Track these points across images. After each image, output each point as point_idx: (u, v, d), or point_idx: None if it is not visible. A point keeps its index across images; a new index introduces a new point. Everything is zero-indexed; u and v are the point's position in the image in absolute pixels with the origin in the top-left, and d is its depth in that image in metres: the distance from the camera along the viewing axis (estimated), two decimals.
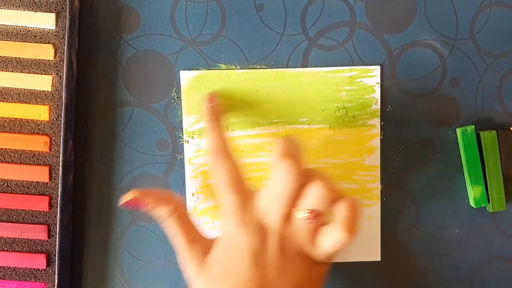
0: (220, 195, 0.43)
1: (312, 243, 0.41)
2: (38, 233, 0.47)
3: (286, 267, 0.41)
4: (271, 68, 0.48)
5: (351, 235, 0.40)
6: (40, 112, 0.47)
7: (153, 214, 0.43)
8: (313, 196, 0.40)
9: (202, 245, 0.43)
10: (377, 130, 0.48)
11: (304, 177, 0.41)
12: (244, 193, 0.42)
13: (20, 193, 0.47)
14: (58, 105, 0.47)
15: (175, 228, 0.43)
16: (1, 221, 0.47)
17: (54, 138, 0.47)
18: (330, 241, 0.40)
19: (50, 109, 0.47)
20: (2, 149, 0.47)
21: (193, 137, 0.48)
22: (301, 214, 0.40)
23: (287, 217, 0.41)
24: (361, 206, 0.41)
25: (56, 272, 0.47)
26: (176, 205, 0.43)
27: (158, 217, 0.43)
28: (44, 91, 0.47)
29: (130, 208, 0.43)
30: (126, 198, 0.43)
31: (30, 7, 0.46)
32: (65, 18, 0.46)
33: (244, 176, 0.43)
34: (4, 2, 0.46)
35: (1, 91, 0.47)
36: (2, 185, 0.47)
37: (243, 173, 0.43)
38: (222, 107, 0.46)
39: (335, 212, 0.41)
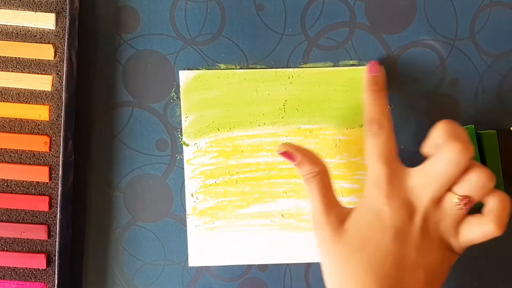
0: (371, 165, 0.42)
1: (455, 231, 0.41)
2: (38, 233, 0.47)
3: (424, 249, 0.41)
4: (271, 68, 0.48)
5: (500, 230, 0.40)
6: (40, 112, 0.47)
7: (298, 171, 0.44)
8: (471, 183, 0.40)
9: (339, 212, 0.43)
10: None
11: (468, 163, 0.40)
12: (396, 166, 0.42)
13: (20, 193, 0.47)
14: (58, 105, 0.47)
15: (315, 190, 0.43)
16: (1, 221, 0.47)
17: (54, 138, 0.47)
18: (476, 233, 0.40)
19: (50, 109, 0.47)
20: (2, 149, 0.47)
21: (192, 137, 0.48)
22: (455, 199, 0.40)
23: (438, 200, 0.41)
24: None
25: (56, 272, 0.47)
26: (322, 167, 0.43)
27: (301, 176, 0.43)
28: (44, 91, 0.47)
29: (284, 157, 0.44)
30: (281, 149, 0.44)
31: (30, 7, 0.46)
32: (65, 18, 0.46)
33: (397, 151, 0.43)
34: (4, 2, 0.46)
35: (1, 91, 0.47)
36: (2, 185, 0.47)
37: (396, 149, 0.43)
38: (384, 78, 0.46)
39: (487, 204, 0.40)
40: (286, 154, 0.44)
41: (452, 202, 0.40)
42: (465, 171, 0.40)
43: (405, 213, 0.41)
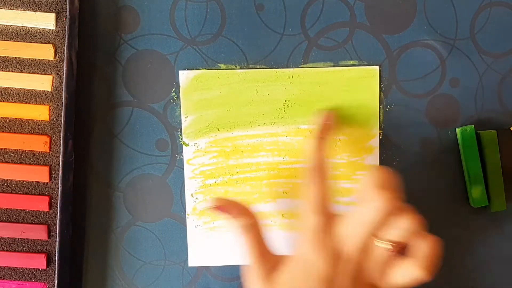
0: (305, 214, 0.43)
1: (384, 275, 0.41)
2: (38, 233, 0.47)
3: None
4: (271, 68, 0.48)
5: (428, 275, 0.40)
6: (40, 112, 0.47)
7: (230, 223, 0.44)
8: (399, 228, 0.40)
9: (271, 262, 0.43)
10: (376, 130, 0.48)
11: (396, 210, 0.40)
12: (328, 216, 0.42)
13: (20, 193, 0.47)
14: (58, 105, 0.47)
15: (248, 241, 0.43)
16: (1, 221, 0.47)
17: (54, 138, 0.47)
18: (405, 277, 0.40)
19: (50, 109, 0.47)
20: (2, 149, 0.47)
21: (192, 137, 0.48)
22: (382, 244, 0.40)
23: (367, 246, 0.41)
24: (440, 246, 0.41)
25: (56, 272, 0.47)
26: (255, 219, 0.44)
27: (234, 228, 0.44)
28: (44, 91, 0.47)
29: (216, 212, 0.44)
30: (210, 204, 0.44)
31: (30, 7, 0.46)
32: (65, 18, 0.46)
33: (332, 200, 0.43)
34: (4, 2, 0.46)
35: (1, 91, 0.47)
36: (2, 185, 0.47)
37: (331, 198, 0.43)
38: (332, 127, 0.46)
39: (416, 248, 0.40)
40: (219, 208, 0.44)
41: (381, 248, 0.40)
42: (394, 216, 0.40)
43: (333, 262, 0.41)
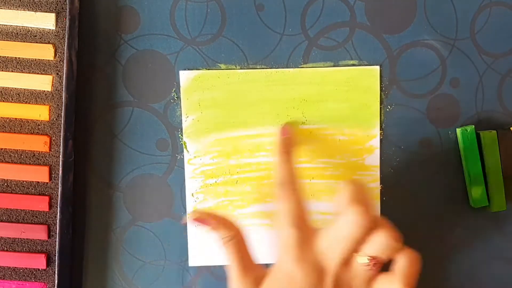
0: (281, 228, 0.42)
1: None
2: (38, 233, 0.47)
3: None
4: (271, 68, 0.48)
5: None
6: (40, 112, 0.47)
7: (213, 235, 0.44)
8: (378, 243, 0.40)
9: (255, 275, 0.43)
10: (377, 130, 0.48)
11: (372, 224, 0.40)
12: (306, 230, 0.42)
13: (20, 193, 0.47)
14: (58, 105, 0.47)
15: (230, 254, 0.43)
16: (1, 221, 0.47)
17: (54, 138, 0.47)
18: None
19: (50, 109, 0.47)
20: (2, 149, 0.47)
21: (192, 137, 0.48)
22: (362, 260, 0.40)
23: (347, 261, 0.41)
24: (420, 262, 0.41)
25: (56, 272, 0.47)
26: (236, 231, 0.44)
27: (217, 240, 0.44)
28: (44, 91, 0.47)
29: (197, 223, 0.44)
30: (191, 216, 0.44)
31: (30, 7, 0.46)
32: (65, 18, 0.46)
33: (308, 212, 0.43)
34: (4, 2, 0.46)
35: (1, 91, 0.47)
36: (2, 185, 0.47)
37: (307, 210, 0.43)
38: (295, 139, 0.46)
39: (396, 263, 0.41)
40: (199, 220, 0.44)
41: (360, 263, 0.41)
42: (371, 231, 0.40)
43: (315, 276, 0.41)
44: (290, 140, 0.46)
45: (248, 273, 0.43)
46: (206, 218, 0.44)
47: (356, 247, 0.40)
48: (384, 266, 0.41)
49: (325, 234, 0.41)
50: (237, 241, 0.43)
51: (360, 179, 0.43)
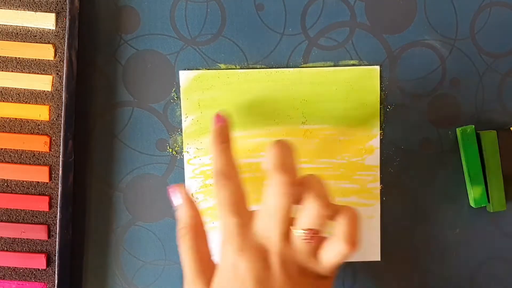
0: (222, 218, 0.41)
1: (314, 258, 0.40)
2: (38, 233, 0.47)
3: (292, 286, 0.39)
4: (271, 68, 0.48)
5: (353, 248, 0.39)
6: (40, 112, 0.47)
7: (178, 220, 0.43)
8: (308, 214, 0.39)
9: (210, 271, 0.42)
10: (377, 130, 0.48)
11: (299, 189, 0.39)
12: (244, 215, 0.41)
13: (20, 193, 0.47)
14: (58, 105, 0.47)
15: (186, 248, 0.42)
16: (1, 221, 0.47)
17: (54, 138, 0.47)
18: (332, 255, 0.39)
19: (50, 109, 0.47)
20: (2, 149, 0.47)
21: (192, 137, 0.48)
22: (298, 233, 0.39)
23: (286, 235, 0.40)
24: (359, 215, 0.40)
25: (56, 272, 0.47)
26: (195, 222, 0.43)
27: (178, 231, 0.43)
28: (44, 91, 0.47)
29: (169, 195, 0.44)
30: (173, 187, 0.44)
31: (30, 7, 0.46)
32: (65, 18, 0.46)
33: (246, 200, 0.42)
34: (4, 2, 0.46)
35: (1, 91, 0.47)
36: (2, 185, 0.47)
37: (246, 197, 0.42)
38: (230, 127, 0.45)
39: (336, 223, 0.40)
40: (170, 191, 0.44)
41: (299, 237, 0.39)
42: (299, 197, 0.39)
43: (260, 260, 0.39)
44: (225, 128, 0.44)
45: (202, 270, 0.42)
46: (174, 191, 0.43)
47: (291, 219, 0.39)
48: None
49: (259, 213, 0.40)
50: (194, 235, 0.42)
51: (286, 139, 0.41)
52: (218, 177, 0.42)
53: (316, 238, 0.39)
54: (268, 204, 0.40)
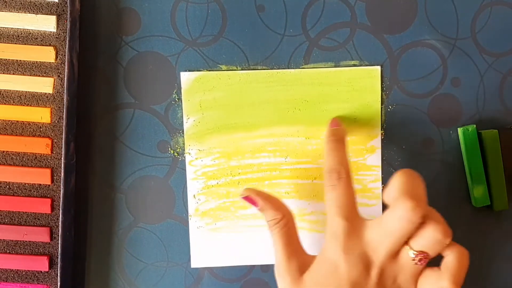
0: (329, 218, 0.42)
1: (413, 284, 0.41)
2: (40, 235, 0.47)
3: None
4: (272, 69, 0.48)
5: (456, 287, 0.39)
6: (41, 115, 0.47)
7: (264, 217, 0.44)
8: (427, 238, 0.39)
9: (301, 261, 0.42)
10: (378, 130, 0.48)
11: (422, 219, 0.39)
12: (354, 220, 0.41)
13: (22, 196, 0.47)
14: (59, 107, 0.47)
15: (278, 238, 0.43)
16: (3, 223, 0.47)
17: (55, 140, 0.47)
18: (432, 287, 0.40)
19: (51, 111, 0.47)
20: (3, 151, 0.47)
21: (193, 139, 0.48)
22: (411, 254, 0.40)
23: (394, 254, 0.40)
24: (469, 258, 0.40)
25: (58, 275, 0.47)
26: (284, 214, 0.43)
27: (266, 222, 0.43)
28: (46, 93, 0.47)
29: (246, 202, 0.44)
30: (242, 194, 0.44)
31: (31, 9, 0.46)
32: (66, 21, 0.46)
33: (357, 202, 0.42)
34: (5, 5, 0.46)
35: (3, 94, 0.47)
36: (4, 187, 0.47)
37: (355, 199, 0.42)
38: (345, 131, 0.46)
39: (445, 259, 0.40)
40: (248, 199, 0.43)
41: (408, 257, 0.40)
42: (421, 225, 0.40)
43: (361, 267, 0.40)
44: (339, 130, 0.45)
45: (293, 259, 0.42)
46: (255, 198, 0.43)
47: (404, 240, 0.40)
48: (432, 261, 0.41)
49: (374, 226, 0.41)
50: (285, 224, 0.43)
51: (413, 170, 0.41)
52: (328, 175, 0.42)
53: (425, 261, 0.40)
54: (388, 222, 0.40)
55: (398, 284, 0.41)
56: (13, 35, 0.46)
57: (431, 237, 0.39)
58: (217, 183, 0.48)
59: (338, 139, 0.44)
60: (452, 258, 0.40)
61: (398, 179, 0.40)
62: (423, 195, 0.40)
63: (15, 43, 0.46)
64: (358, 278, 0.40)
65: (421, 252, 0.40)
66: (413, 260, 0.40)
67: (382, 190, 0.49)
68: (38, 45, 0.46)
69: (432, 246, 0.39)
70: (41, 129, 0.47)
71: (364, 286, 0.40)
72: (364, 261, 0.41)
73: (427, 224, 0.39)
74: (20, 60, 0.47)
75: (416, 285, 0.41)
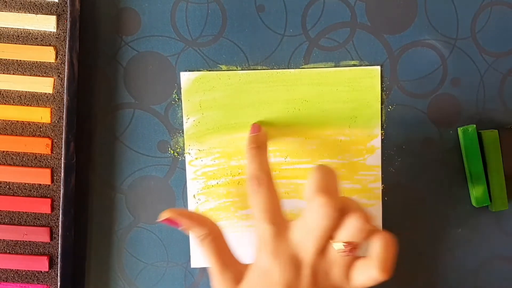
0: (256, 223, 0.42)
1: (345, 277, 0.41)
2: (40, 235, 0.47)
3: None
4: (272, 69, 0.48)
5: (386, 275, 0.39)
6: (41, 115, 0.47)
7: (190, 234, 0.43)
8: (350, 228, 0.39)
9: (235, 271, 0.43)
10: (378, 130, 0.48)
11: (340, 210, 0.40)
12: (280, 223, 0.42)
13: (22, 196, 0.47)
14: (59, 107, 0.47)
15: (208, 252, 0.42)
16: (4, 223, 0.47)
17: (55, 140, 0.47)
18: (363, 278, 0.40)
19: (51, 111, 0.47)
20: (4, 151, 0.47)
21: (193, 139, 0.48)
22: (337, 246, 0.40)
23: (322, 250, 0.40)
24: (396, 243, 0.40)
25: (58, 275, 0.47)
26: (211, 228, 0.43)
27: (194, 238, 0.43)
28: (46, 93, 0.47)
29: (167, 224, 0.43)
30: (162, 216, 0.43)
31: (31, 9, 0.46)
32: (66, 21, 0.46)
33: (281, 206, 0.42)
34: (5, 5, 0.46)
35: (3, 94, 0.47)
36: (4, 187, 0.47)
37: (280, 203, 0.42)
38: (265, 136, 0.46)
39: (371, 247, 0.40)
40: (168, 221, 0.43)
41: (336, 250, 0.40)
42: (341, 217, 0.40)
43: (293, 269, 0.40)
44: (260, 136, 0.46)
45: (227, 270, 0.42)
46: (176, 218, 0.43)
47: (329, 235, 0.40)
48: None
49: (298, 226, 0.41)
50: (213, 238, 0.43)
51: (327, 164, 0.42)
52: (250, 182, 0.43)
53: (354, 251, 0.40)
54: (308, 222, 0.40)
55: (332, 279, 0.41)
56: (13, 35, 0.46)
57: (352, 226, 0.39)
58: (217, 183, 0.48)
59: (258, 146, 0.45)
60: (378, 245, 0.40)
61: (311, 176, 0.40)
62: (336, 189, 0.40)
63: (15, 43, 0.46)
64: (291, 280, 0.40)
65: (348, 243, 0.39)
66: (343, 252, 0.40)
67: (382, 190, 0.49)
68: (38, 45, 0.47)
69: (356, 234, 0.39)
70: (41, 129, 0.47)
71: (298, 287, 0.40)
72: (294, 263, 0.41)
73: (346, 215, 0.39)
74: (20, 60, 0.47)
75: (350, 277, 0.41)
